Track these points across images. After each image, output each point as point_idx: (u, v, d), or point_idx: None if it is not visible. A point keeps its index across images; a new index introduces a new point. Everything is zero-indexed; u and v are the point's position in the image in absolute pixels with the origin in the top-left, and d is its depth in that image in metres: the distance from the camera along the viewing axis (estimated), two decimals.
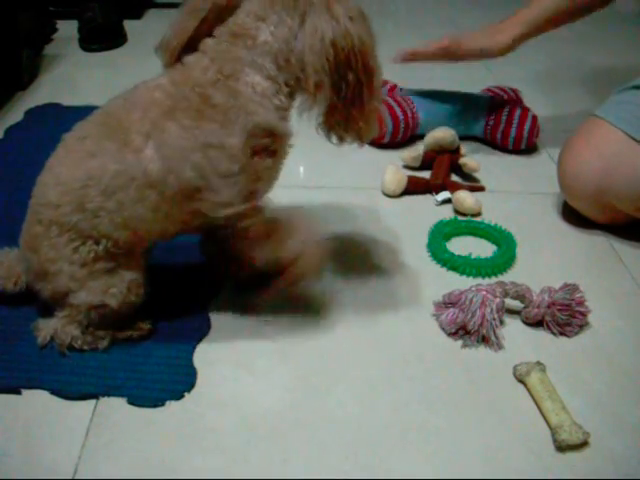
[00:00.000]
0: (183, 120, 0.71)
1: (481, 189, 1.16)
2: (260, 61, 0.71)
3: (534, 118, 1.25)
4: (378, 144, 1.29)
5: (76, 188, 0.74)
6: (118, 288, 0.77)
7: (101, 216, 0.74)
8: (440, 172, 1.15)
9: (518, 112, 1.25)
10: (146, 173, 0.72)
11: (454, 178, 1.19)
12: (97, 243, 0.76)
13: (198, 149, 0.71)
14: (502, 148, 1.28)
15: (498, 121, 1.25)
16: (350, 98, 0.72)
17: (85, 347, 0.80)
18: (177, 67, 0.75)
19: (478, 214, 1.09)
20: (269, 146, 0.74)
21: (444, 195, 1.12)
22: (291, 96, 0.75)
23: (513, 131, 1.25)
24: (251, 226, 0.80)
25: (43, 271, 0.78)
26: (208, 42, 0.74)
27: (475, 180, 1.19)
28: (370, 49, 0.71)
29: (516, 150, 1.28)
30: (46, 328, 0.80)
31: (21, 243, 0.82)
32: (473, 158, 1.19)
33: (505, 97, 1.32)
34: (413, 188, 1.14)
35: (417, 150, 1.20)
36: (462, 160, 1.18)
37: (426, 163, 1.19)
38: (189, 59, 0.74)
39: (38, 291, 0.80)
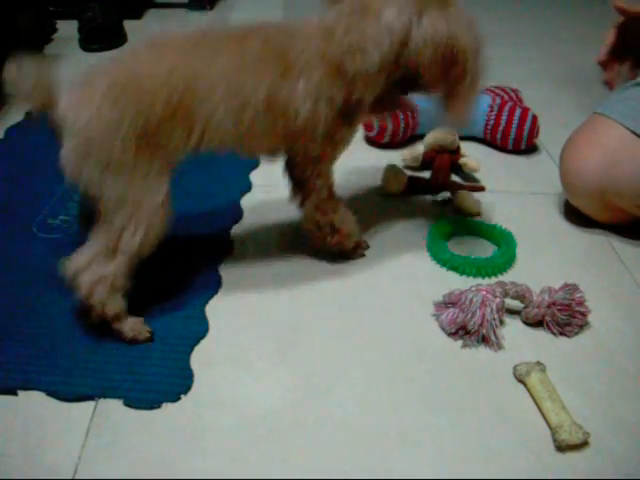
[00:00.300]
0: (321, 71, 0.80)
1: (481, 189, 1.16)
2: (379, 40, 0.77)
3: (534, 118, 1.25)
4: (378, 144, 1.29)
5: (223, 86, 0.78)
6: (153, 202, 0.79)
7: (223, 119, 0.79)
8: (440, 172, 1.15)
9: (518, 112, 1.25)
10: (288, 104, 0.81)
11: (455, 178, 1.19)
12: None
13: (326, 99, 0.81)
14: (502, 148, 1.28)
15: (498, 121, 1.26)
16: (449, 90, 0.82)
17: (104, 296, 0.80)
18: (326, 17, 0.82)
19: (478, 214, 1.09)
20: (354, 116, 0.86)
21: (444, 195, 1.12)
22: (388, 77, 0.82)
23: (513, 131, 1.25)
24: (324, 188, 0.91)
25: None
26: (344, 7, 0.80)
27: (475, 180, 1.19)
28: (473, 53, 0.79)
29: (516, 150, 1.28)
30: (74, 264, 0.81)
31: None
32: (473, 158, 1.19)
33: (505, 97, 1.32)
34: (413, 187, 1.14)
35: (417, 149, 1.20)
36: (462, 160, 1.18)
37: (426, 163, 1.19)
38: (330, 17, 0.81)
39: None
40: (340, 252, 0.98)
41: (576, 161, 1.02)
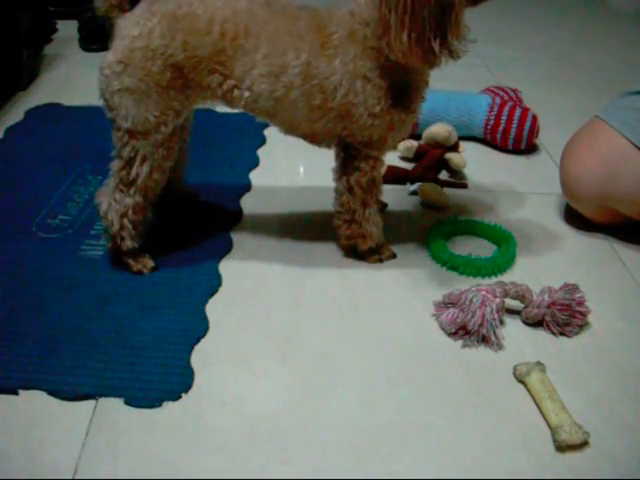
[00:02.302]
0: (357, 49, 0.82)
1: (463, 186, 1.16)
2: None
3: (534, 118, 1.25)
4: None
5: (269, 47, 0.83)
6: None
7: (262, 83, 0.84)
8: (423, 164, 1.17)
9: (518, 112, 1.25)
10: (325, 78, 0.83)
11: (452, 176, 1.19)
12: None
13: (362, 77, 0.83)
14: (502, 148, 1.28)
15: (498, 121, 1.26)
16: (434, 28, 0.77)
17: (118, 228, 0.90)
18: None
19: (445, 206, 1.10)
20: (405, 102, 0.85)
21: (416, 186, 1.13)
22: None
23: (513, 131, 1.25)
24: (368, 174, 0.90)
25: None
26: None
27: (462, 177, 1.19)
28: None
29: (516, 150, 1.28)
30: (106, 197, 0.90)
31: None
32: (461, 155, 1.19)
33: (505, 97, 1.32)
34: (393, 176, 1.15)
35: (412, 142, 1.22)
36: (447, 155, 1.18)
37: (419, 155, 1.21)
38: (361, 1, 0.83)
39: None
40: (349, 247, 0.98)
41: (576, 169, 1.01)
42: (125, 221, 0.90)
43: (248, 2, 0.85)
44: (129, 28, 0.83)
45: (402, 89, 0.84)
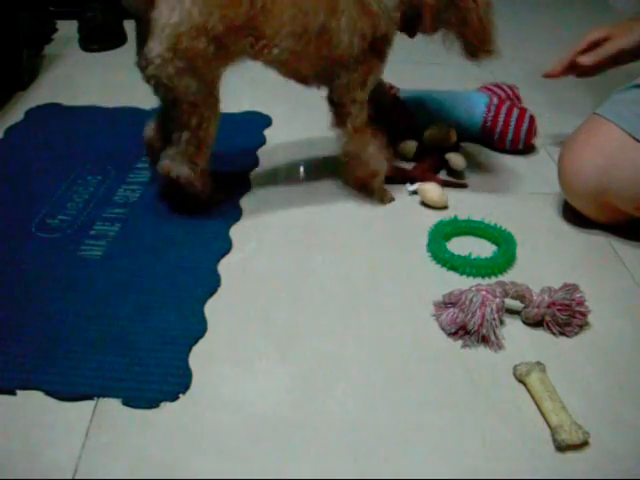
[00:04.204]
0: (358, 12, 0.98)
1: (462, 186, 1.16)
2: None
3: (532, 118, 1.25)
4: None
5: (293, 12, 0.95)
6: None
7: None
8: (423, 164, 1.17)
9: (516, 113, 1.24)
10: (333, 35, 0.98)
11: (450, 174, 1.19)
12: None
13: (357, 34, 0.99)
14: (499, 149, 1.28)
15: (495, 122, 1.25)
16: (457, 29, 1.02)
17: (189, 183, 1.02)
18: None
19: (444, 207, 1.10)
20: (382, 49, 1.04)
21: (416, 186, 1.13)
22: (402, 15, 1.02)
23: (510, 132, 1.24)
24: (360, 116, 1.06)
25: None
26: None
27: (462, 176, 1.19)
28: None
29: (513, 151, 1.27)
30: (164, 159, 1.01)
31: None
32: (460, 154, 1.19)
33: (502, 95, 1.31)
34: (391, 175, 1.15)
35: (412, 141, 1.22)
36: (447, 155, 1.18)
37: (419, 154, 1.21)
38: None
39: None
40: (361, 187, 1.12)
41: (574, 162, 1.02)
42: (196, 182, 1.02)
43: None
44: (167, 16, 0.90)
45: (386, 41, 1.04)
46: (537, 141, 1.30)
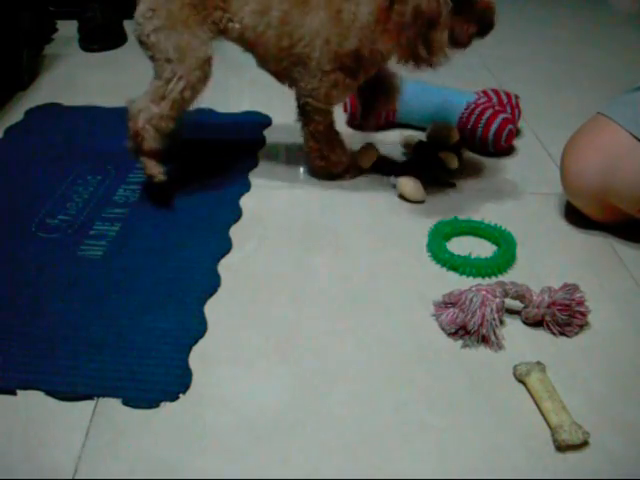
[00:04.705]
0: (330, 14, 0.98)
1: (450, 185, 1.17)
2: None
3: (503, 121, 1.23)
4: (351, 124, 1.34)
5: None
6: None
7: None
8: (415, 159, 1.19)
9: (488, 113, 1.23)
10: (295, 28, 1.00)
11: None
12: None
13: (323, 39, 0.99)
14: (470, 147, 1.27)
15: (468, 120, 1.25)
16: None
17: (147, 132, 1.05)
18: None
19: (421, 201, 1.11)
20: (353, 68, 1.02)
21: (396, 180, 1.15)
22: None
23: (479, 132, 1.24)
24: (322, 123, 1.10)
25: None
26: None
27: (454, 176, 1.19)
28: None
29: (484, 152, 1.26)
30: (138, 103, 1.05)
31: None
32: (453, 154, 1.19)
33: (494, 99, 1.30)
34: (380, 166, 1.19)
35: (412, 137, 1.24)
36: (441, 153, 1.18)
37: (417, 149, 1.21)
38: None
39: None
40: (329, 175, 1.16)
41: (577, 162, 1.01)
42: (148, 125, 1.04)
43: None
44: None
45: (356, 59, 1.01)
46: (538, 142, 1.30)
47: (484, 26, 0.96)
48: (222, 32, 1.05)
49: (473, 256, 0.98)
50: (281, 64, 1.05)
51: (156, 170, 1.07)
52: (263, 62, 1.09)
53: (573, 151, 1.03)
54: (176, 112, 1.05)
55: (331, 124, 1.12)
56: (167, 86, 1.02)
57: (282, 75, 1.09)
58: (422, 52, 0.93)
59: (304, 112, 1.10)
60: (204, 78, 1.05)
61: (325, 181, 1.19)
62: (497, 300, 0.84)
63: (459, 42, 0.96)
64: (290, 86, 1.10)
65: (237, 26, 1.02)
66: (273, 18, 1.00)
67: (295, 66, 1.04)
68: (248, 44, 1.06)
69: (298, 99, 1.10)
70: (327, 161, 1.15)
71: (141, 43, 1.04)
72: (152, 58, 1.04)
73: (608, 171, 0.97)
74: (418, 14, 0.90)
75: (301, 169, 1.24)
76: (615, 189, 0.97)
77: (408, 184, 1.11)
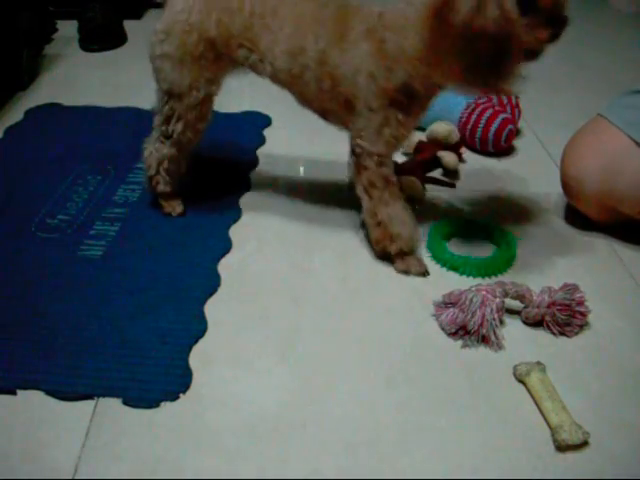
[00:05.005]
0: (371, 48, 0.85)
1: (450, 185, 1.17)
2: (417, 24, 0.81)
3: (504, 121, 1.23)
4: None
5: (291, 29, 0.89)
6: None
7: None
8: (415, 159, 1.18)
9: (488, 113, 1.23)
10: (336, 66, 0.88)
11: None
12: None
13: (367, 74, 0.86)
14: (470, 147, 1.28)
15: (468, 120, 1.25)
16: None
17: (155, 173, 1.03)
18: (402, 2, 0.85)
19: (420, 202, 1.11)
20: (405, 103, 0.87)
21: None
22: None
23: (479, 131, 1.24)
24: (376, 171, 0.93)
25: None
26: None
27: (454, 176, 1.19)
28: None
29: (484, 152, 1.26)
30: (150, 145, 1.03)
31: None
32: (453, 154, 1.19)
33: (494, 99, 1.30)
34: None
35: (413, 138, 1.23)
36: (440, 153, 1.18)
37: (417, 150, 1.22)
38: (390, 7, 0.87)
39: None
40: (382, 253, 0.97)
41: (577, 167, 1.01)
42: (161, 168, 1.03)
43: None
44: (175, 3, 0.92)
45: (407, 93, 0.86)
46: (538, 142, 1.30)
47: (557, 26, 0.80)
48: (253, 71, 0.96)
49: (473, 256, 0.98)
50: (324, 105, 0.94)
51: (173, 208, 1.07)
52: (304, 102, 0.97)
53: (573, 154, 1.03)
54: (184, 153, 1.02)
55: (387, 178, 0.93)
56: (169, 126, 0.98)
57: (328, 115, 0.96)
58: (492, 80, 0.78)
59: (355, 157, 0.94)
60: (203, 117, 0.99)
61: (325, 181, 1.19)
62: (497, 300, 0.84)
63: (530, 54, 0.82)
64: (339, 126, 0.97)
65: (268, 67, 0.92)
66: (309, 59, 0.88)
67: (340, 106, 0.91)
68: (283, 85, 0.96)
69: (351, 146, 0.95)
70: (384, 231, 0.94)
71: (149, 56, 0.96)
72: (156, 81, 0.98)
73: (608, 175, 0.97)
74: (482, 37, 0.74)
75: (301, 169, 1.24)
76: (616, 193, 0.97)
77: (405, 183, 1.11)
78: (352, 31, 0.86)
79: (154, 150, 1.02)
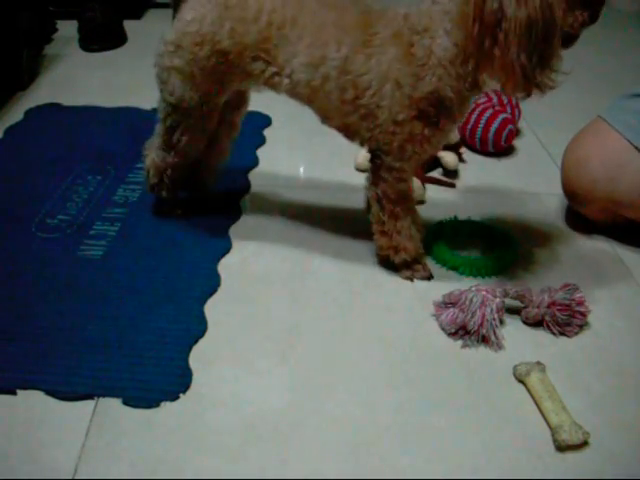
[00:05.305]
0: (397, 53, 0.81)
1: (450, 185, 1.17)
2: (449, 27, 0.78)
3: (504, 121, 1.23)
4: None
5: (311, 38, 0.84)
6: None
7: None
8: None
9: (488, 113, 1.23)
10: (359, 74, 0.82)
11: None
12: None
13: (393, 81, 0.81)
14: (471, 147, 1.28)
15: (468, 119, 1.25)
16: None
17: (157, 181, 1.02)
18: (426, 2, 0.81)
19: (421, 202, 1.10)
20: (433, 115, 0.82)
21: None
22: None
23: (479, 131, 1.24)
24: (394, 185, 0.89)
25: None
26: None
27: (454, 176, 1.19)
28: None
29: (484, 152, 1.27)
30: (151, 151, 1.00)
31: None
32: (453, 155, 1.19)
33: (495, 100, 1.30)
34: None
35: None
36: (440, 153, 1.18)
37: None
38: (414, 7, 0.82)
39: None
40: (386, 260, 0.95)
41: (578, 171, 1.01)
42: (164, 176, 1.01)
43: None
44: (186, 12, 0.87)
45: (435, 103, 0.81)
46: (539, 142, 1.30)
47: (594, 6, 0.77)
48: (268, 86, 0.90)
49: (473, 256, 0.98)
50: (347, 119, 0.87)
51: (174, 211, 1.06)
52: (324, 118, 0.91)
53: (573, 158, 1.03)
54: (189, 161, 0.99)
55: (404, 194, 0.91)
56: (172, 136, 0.95)
57: (349, 131, 0.90)
58: (539, 75, 0.75)
59: (373, 166, 0.90)
60: (208, 127, 0.96)
61: (325, 181, 1.19)
62: (497, 300, 0.84)
63: (569, 38, 0.78)
64: (362, 144, 0.91)
65: (286, 81, 0.86)
66: (330, 68, 0.83)
67: (364, 120, 0.86)
68: (303, 99, 0.90)
69: (370, 161, 0.92)
70: (389, 241, 0.93)
71: (156, 66, 0.91)
72: (160, 90, 0.93)
73: (609, 180, 0.97)
74: (531, 27, 0.71)
75: (301, 169, 1.24)
76: (616, 197, 0.97)
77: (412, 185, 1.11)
78: (377, 36, 0.81)
79: (156, 157, 0.99)
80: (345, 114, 0.87)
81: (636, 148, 0.95)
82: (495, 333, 0.83)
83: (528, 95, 0.77)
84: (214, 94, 0.91)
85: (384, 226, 0.92)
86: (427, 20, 0.79)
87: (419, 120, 0.82)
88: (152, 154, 1.00)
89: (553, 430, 0.71)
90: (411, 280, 0.94)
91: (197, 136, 0.96)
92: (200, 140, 0.97)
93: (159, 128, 0.97)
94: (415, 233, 0.94)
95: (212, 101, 0.92)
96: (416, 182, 1.11)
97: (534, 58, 0.73)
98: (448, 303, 0.87)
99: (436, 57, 0.79)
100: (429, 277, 0.94)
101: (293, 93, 0.89)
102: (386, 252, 0.94)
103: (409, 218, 0.92)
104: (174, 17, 0.90)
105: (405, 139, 0.84)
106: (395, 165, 0.87)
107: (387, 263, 0.96)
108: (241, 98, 1.01)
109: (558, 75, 0.76)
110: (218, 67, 0.87)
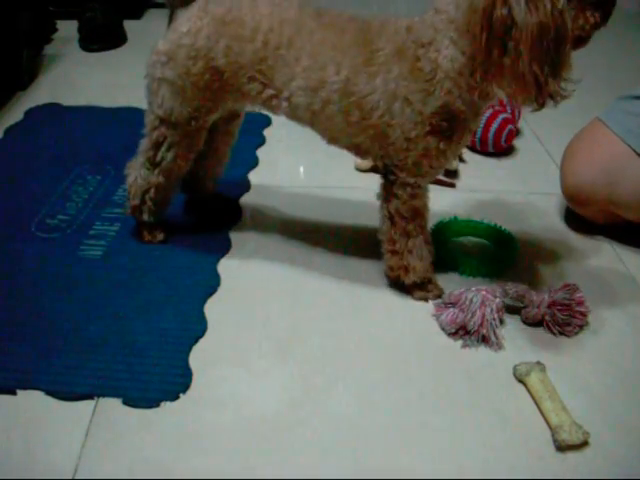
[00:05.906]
0: (403, 69, 0.77)
1: (450, 185, 1.16)
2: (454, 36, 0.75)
3: (504, 121, 1.23)
4: None
5: (310, 60, 0.80)
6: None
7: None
8: None
9: (488, 113, 1.23)
10: (364, 95, 0.79)
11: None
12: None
13: (402, 99, 0.78)
14: (470, 147, 1.27)
15: None
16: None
17: (139, 202, 0.96)
18: (429, 12, 0.78)
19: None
20: (446, 129, 0.79)
21: None
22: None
23: (479, 131, 1.23)
24: (407, 202, 0.85)
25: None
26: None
27: (454, 177, 1.19)
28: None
29: (484, 152, 1.26)
30: (134, 170, 0.96)
31: None
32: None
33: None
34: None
35: None
36: None
37: None
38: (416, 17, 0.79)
39: None
40: (396, 281, 0.92)
41: (578, 175, 1.01)
42: (146, 197, 0.96)
43: (298, 12, 0.83)
44: (181, 23, 0.84)
45: (447, 116, 0.78)
46: (539, 142, 1.30)
47: (606, 6, 0.74)
48: (267, 108, 0.88)
49: (473, 256, 0.98)
50: (355, 139, 0.84)
51: (154, 237, 1.00)
52: (330, 140, 0.88)
53: (572, 161, 1.03)
54: (173, 182, 0.95)
55: (417, 210, 0.87)
56: (157, 152, 0.91)
57: (360, 150, 0.87)
58: (552, 83, 0.72)
59: (385, 182, 0.87)
60: (194, 147, 0.92)
61: (325, 181, 1.19)
62: (497, 300, 0.84)
63: (580, 40, 0.77)
64: (375, 160, 0.88)
65: (284, 104, 0.84)
66: (331, 92, 0.80)
67: (374, 140, 0.83)
68: (304, 123, 0.87)
69: (382, 177, 0.88)
70: (400, 261, 0.89)
71: (146, 76, 0.88)
72: (148, 102, 0.89)
73: (608, 183, 0.97)
74: (543, 35, 0.68)
75: (301, 169, 1.24)
76: (615, 200, 0.97)
77: None
78: (379, 53, 0.78)
79: (139, 177, 0.94)
80: (353, 135, 0.84)
81: (635, 152, 0.95)
82: (495, 333, 0.83)
83: (541, 106, 0.73)
84: (204, 111, 0.87)
85: (395, 245, 0.88)
86: (432, 31, 0.76)
87: (433, 135, 0.79)
88: (134, 172, 0.95)
89: (553, 430, 0.71)
90: (425, 301, 0.90)
91: (183, 153, 0.91)
92: (186, 158, 0.92)
93: (144, 144, 0.93)
94: (427, 254, 0.90)
95: (202, 118, 0.88)
96: None
97: (546, 67, 0.70)
98: (448, 303, 0.87)
99: (443, 70, 0.75)
100: (440, 294, 0.90)
101: (293, 116, 0.87)
102: (397, 273, 0.90)
103: (421, 238, 0.89)
104: (169, 26, 0.88)
105: (420, 155, 0.81)
106: (410, 181, 0.84)
107: (398, 285, 0.92)
108: (235, 111, 0.98)
109: (569, 84, 0.75)
110: (212, 84, 0.84)
